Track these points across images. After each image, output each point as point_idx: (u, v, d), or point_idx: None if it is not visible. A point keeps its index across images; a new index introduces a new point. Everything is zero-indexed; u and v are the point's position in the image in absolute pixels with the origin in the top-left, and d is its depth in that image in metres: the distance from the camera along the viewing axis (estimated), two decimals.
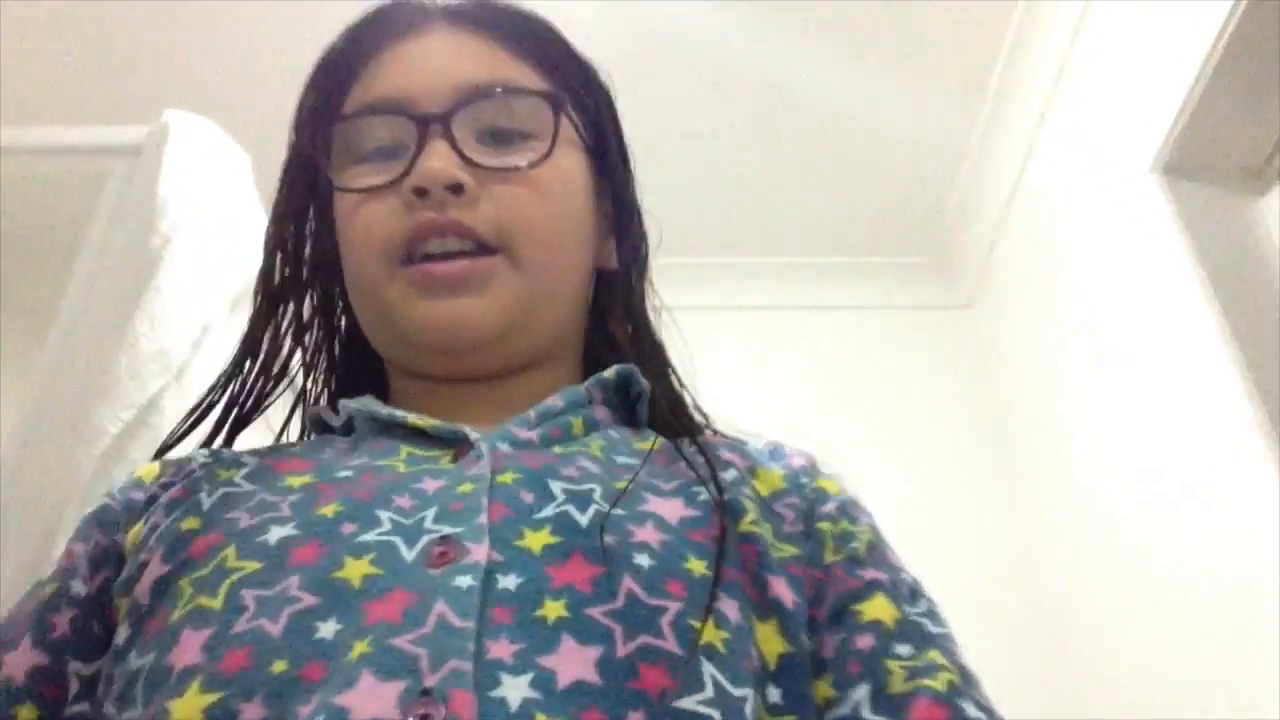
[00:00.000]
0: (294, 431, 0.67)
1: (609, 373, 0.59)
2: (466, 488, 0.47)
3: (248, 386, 0.63)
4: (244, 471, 0.52)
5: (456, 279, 0.53)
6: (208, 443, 0.61)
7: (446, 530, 0.43)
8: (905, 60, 2.04)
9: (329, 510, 0.46)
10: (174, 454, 0.58)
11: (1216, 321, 1.45)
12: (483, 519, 0.44)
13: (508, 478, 0.48)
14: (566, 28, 2.31)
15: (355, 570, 0.42)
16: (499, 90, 0.56)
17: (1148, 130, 1.60)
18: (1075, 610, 1.89)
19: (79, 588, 0.49)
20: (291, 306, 0.63)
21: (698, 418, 0.62)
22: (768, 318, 2.43)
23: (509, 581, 0.41)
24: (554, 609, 0.40)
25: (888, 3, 1.94)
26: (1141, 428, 1.66)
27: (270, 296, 0.63)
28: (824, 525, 0.52)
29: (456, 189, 0.53)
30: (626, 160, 0.65)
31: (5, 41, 1.98)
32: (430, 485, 0.48)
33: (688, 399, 0.63)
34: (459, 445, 0.52)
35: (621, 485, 0.48)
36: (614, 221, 0.64)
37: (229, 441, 0.61)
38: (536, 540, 0.44)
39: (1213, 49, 1.42)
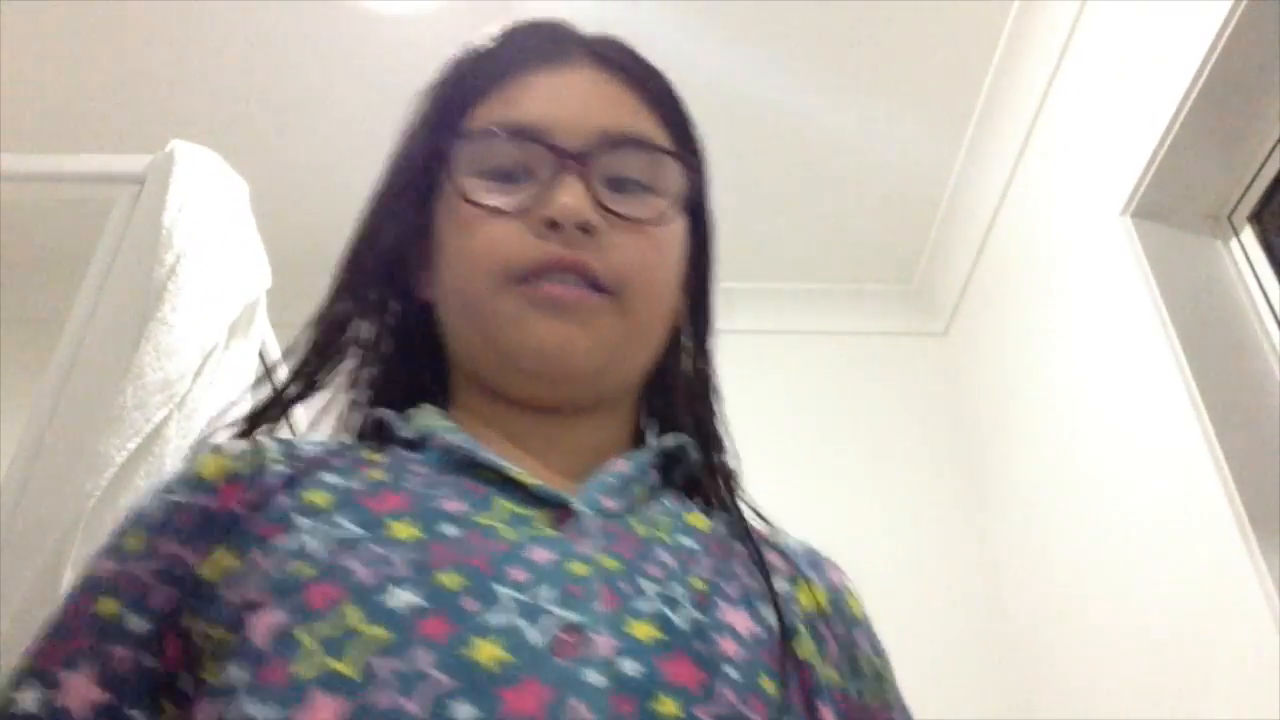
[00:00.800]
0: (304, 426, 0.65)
1: (670, 442, 0.60)
2: (579, 569, 0.47)
3: (310, 368, 0.61)
4: (331, 495, 0.50)
5: (573, 305, 0.54)
6: (255, 421, 0.59)
7: (571, 618, 0.44)
8: (888, 94, 2.09)
9: (449, 581, 0.45)
10: (232, 440, 0.56)
11: (1178, 358, 1.50)
12: (600, 606, 0.45)
13: (611, 563, 0.48)
14: None
15: (485, 653, 0.42)
16: (638, 143, 0.59)
17: (1119, 174, 1.66)
18: (1039, 632, 1.94)
19: (140, 622, 0.47)
20: (370, 296, 0.62)
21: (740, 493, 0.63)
22: (747, 342, 2.48)
23: (628, 669, 0.43)
24: (669, 706, 0.42)
25: (874, 39, 1.99)
26: (1104, 457, 1.71)
27: (353, 285, 0.63)
28: (864, 662, 0.56)
29: (587, 229, 0.54)
30: (714, 228, 0.67)
31: (10, 68, 1.98)
32: (540, 556, 0.48)
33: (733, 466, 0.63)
34: (556, 507, 0.51)
35: (699, 586, 0.50)
36: (693, 284, 0.65)
37: (278, 418, 0.60)
38: (644, 631, 0.45)
39: (1184, 99, 1.48)
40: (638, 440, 0.63)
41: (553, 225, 0.54)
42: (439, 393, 0.62)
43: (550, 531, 0.50)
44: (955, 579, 2.11)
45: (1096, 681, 1.71)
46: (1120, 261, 1.66)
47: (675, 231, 0.61)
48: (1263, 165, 1.52)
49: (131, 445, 0.94)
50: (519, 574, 0.46)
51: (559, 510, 0.51)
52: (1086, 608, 1.77)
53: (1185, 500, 1.48)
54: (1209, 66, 1.43)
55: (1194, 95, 1.47)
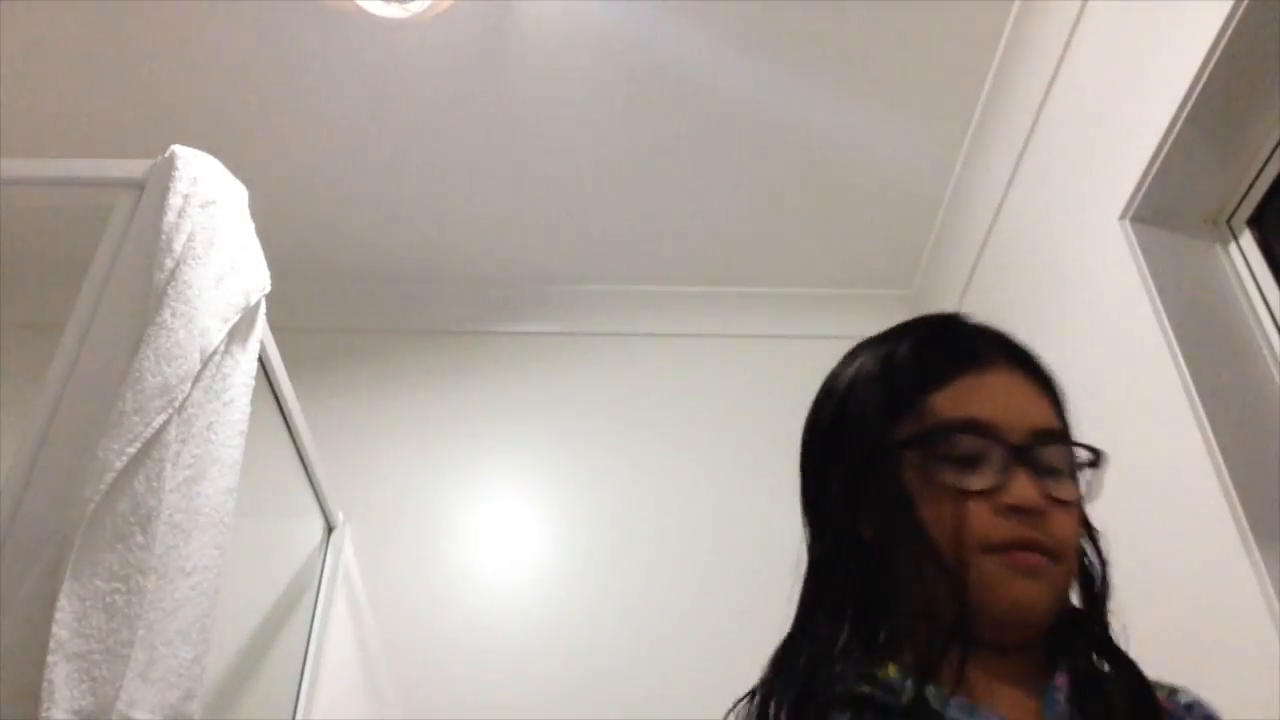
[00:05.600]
0: None
1: (1080, 661, 0.74)
2: None
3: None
4: None
5: (1040, 570, 0.69)
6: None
7: None
8: (888, 99, 2.09)
9: None
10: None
11: (1178, 362, 1.50)
12: None
13: None
14: (571, 69, 2.34)
15: None
16: (1061, 437, 0.74)
17: (1118, 178, 1.66)
18: None
19: None
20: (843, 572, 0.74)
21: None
22: (747, 346, 2.48)
23: None
24: None
25: (873, 44, 2.00)
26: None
27: (833, 567, 0.75)
28: None
29: (1040, 513, 0.69)
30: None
31: (11, 73, 1.99)
32: None
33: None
34: None
35: None
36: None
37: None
38: None
39: (1183, 102, 1.49)
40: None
41: (1014, 509, 0.69)
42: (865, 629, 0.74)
43: None
44: None
45: None
46: (1119, 265, 1.66)
47: (1080, 504, 0.75)
48: (1262, 169, 1.52)
49: (131, 450, 0.94)
50: None
51: None
52: None
53: (1184, 503, 1.48)
54: (1208, 70, 1.44)
55: (1193, 99, 1.47)
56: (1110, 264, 1.70)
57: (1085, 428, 1.92)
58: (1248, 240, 1.56)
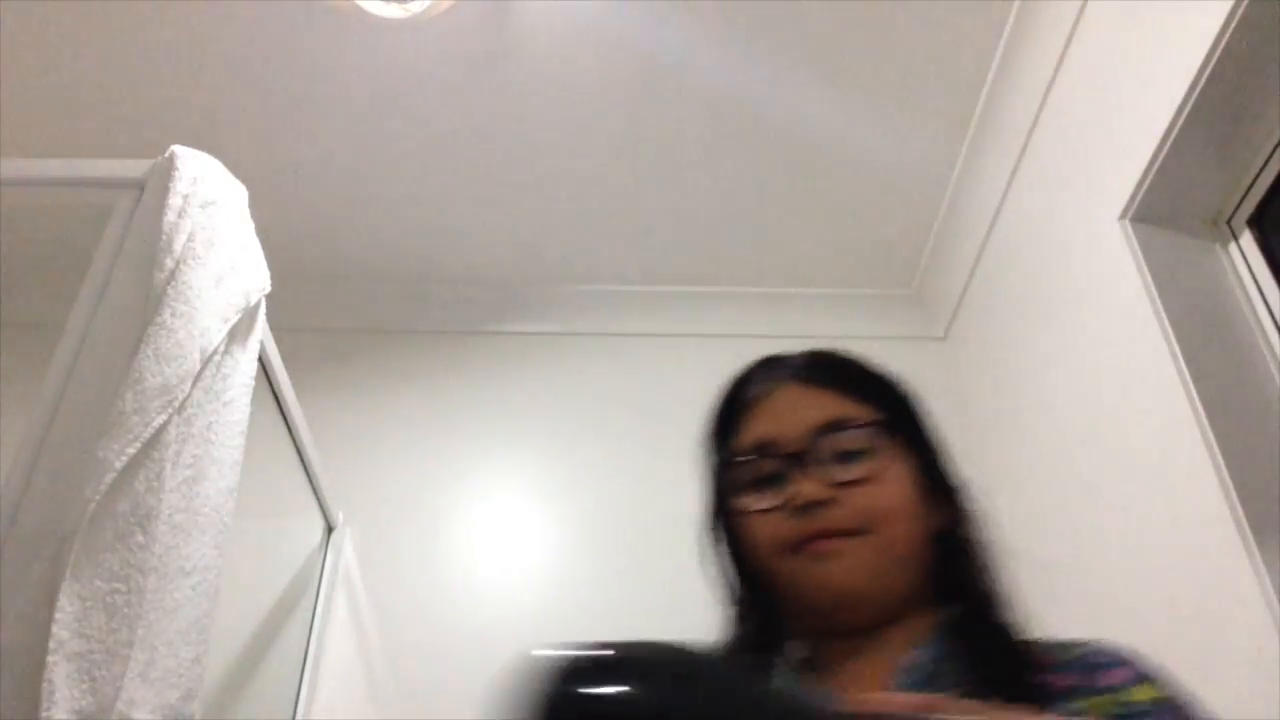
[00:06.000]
0: None
1: (943, 616, 0.75)
2: None
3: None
4: None
5: (838, 551, 0.73)
6: None
7: None
8: (888, 98, 2.09)
9: None
10: None
11: (1178, 362, 1.50)
12: None
13: None
14: (571, 69, 2.34)
15: None
16: (838, 425, 0.77)
17: (1118, 178, 1.66)
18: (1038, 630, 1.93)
19: None
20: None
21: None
22: (747, 346, 2.48)
23: None
24: None
25: (873, 44, 2.00)
26: (1104, 461, 1.71)
27: (732, 578, 0.81)
28: None
29: (823, 503, 0.73)
30: (938, 445, 0.84)
31: (10, 73, 1.99)
32: None
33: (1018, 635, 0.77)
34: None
35: None
36: (935, 493, 0.81)
37: None
38: None
39: (1183, 102, 1.49)
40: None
41: (801, 508, 0.74)
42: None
43: None
44: None
45: None
46: (1119, 266, 1.66)
47: (894, 469, 0.77)
48: (1262, 169, 1.52)
49: (131, 450, 0.94)
50: None
51: None
52: (1086, 611, 1.76)
53: (1185, 503, 1.48)
54: (1208, 69, 1.44)
55: (1193, 98, 1.47)
56: (1110, 264, 1.70)
57: (1086, 427, 1.93)
58: (1248, 240, 1.56)
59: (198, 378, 1.08)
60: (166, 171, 1.17)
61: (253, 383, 1.24)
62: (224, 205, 1.24)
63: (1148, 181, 1.59)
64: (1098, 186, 1.74)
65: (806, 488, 0.74)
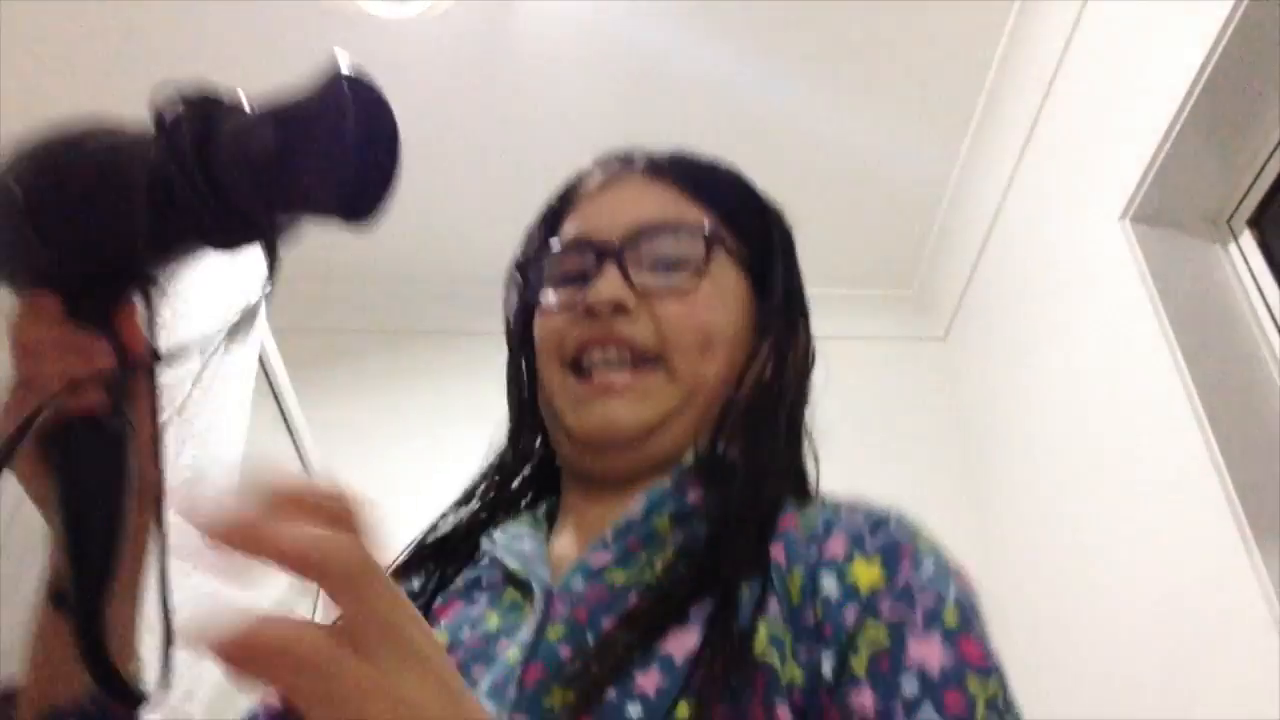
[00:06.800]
0: None
1: (688, 456, 0.62)
2: (513, 655, 0.52)
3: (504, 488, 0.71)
4: None
5: (622, 389, 0.62)
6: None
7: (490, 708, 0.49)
8: (888, 99, 2.09)
9: None
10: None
11: (1178, 362, 1.50)
12: (512, 690, 0.50)
13: (555, 632, 0.52)
14: (570, 69, 2.34)
15: None
16: (665, 227, 0.66)
17: (1118, 179, 1.66)
18: (1039, 637, 1.93)
19: None
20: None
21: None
22: None
23: None
24: None
25: (873, 44, 2.00)
26: (1104, 461, 1.71)
27: (519, 402, 0.72)
28: (861, 638, 0.52)
29: (620, 308, 0.62)
30: (792, 287, 0.72)
31: (10, 73, 1.99)
32: (503, 648, 0.54)
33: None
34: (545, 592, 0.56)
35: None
36: (767, 331, 0.68)
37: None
38: (561, 698, 0.48)
39: (1183, 102, 1.49)
40: None
41: (591, 311, 0.63)
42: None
43: (529, 614, 0.55)
44: None
45: (1096, 683, 1.71)
46: (1119, 266, 1.66)
47: (720, 289, 0.66)
48: (1262, 169, 1.52)
49: None
50: (479, 671, 0.52)
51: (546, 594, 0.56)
52: (1086, 612, 1.76)
53: (1185, 503, 1.48)
54: (1208, 70, 1.44)
55: (1193, 99, 1.47)
56: (1110, 264, 1.70)
57: (1085, 427, 1.93)
58: (1248, 240, 1.56)
59: (198, 378, 1.08)
60: None
61: (253, 382, 1.24)
62: None
63: (1148, 182, 1.59)
64: (1098, 187, 1.74)
65: (604, 287, 0.63)
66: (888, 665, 0.48)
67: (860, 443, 2.32)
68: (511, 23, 1.96)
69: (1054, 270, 1.93)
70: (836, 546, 0.55)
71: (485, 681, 0.51)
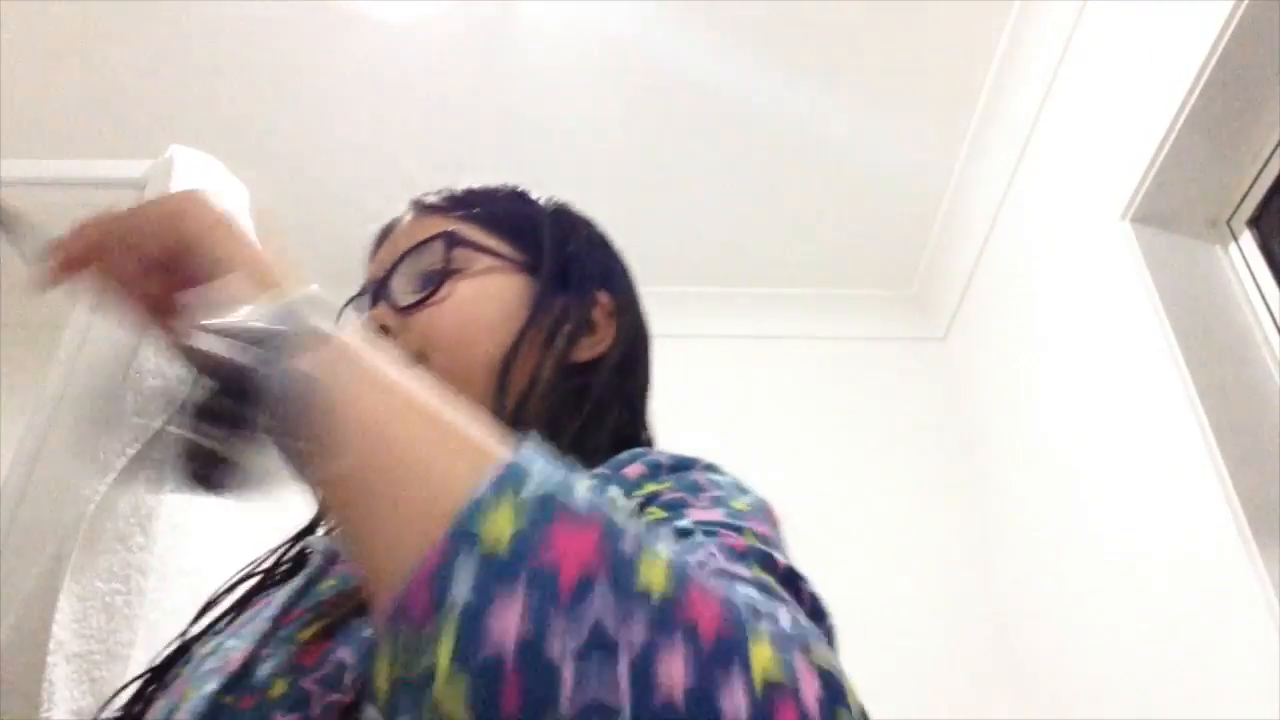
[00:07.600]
0: None
1: None
2: (278, 599, 0.59)
3: None
4: None
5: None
6: None
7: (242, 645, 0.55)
8: (888, 99, 2.09)
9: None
10: None
11: (1178, 363, 1.50)
12: (263, 625, 0.56)
13: (325, 586, 0.58)
14: (570, 70, 2.32)
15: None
16: (409, 250, 0.72)
17: (1118, 179, 1.66)
18: (1038, 637, 1.94)
19: None
20: None
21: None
22: (746, 347, 2.48)
23: (263, 670, 0.51)
24: (280, 686, 0.50)
25: (872, 44, 2.00)
26: (1104, 462, 1.71)
27: None
28: None
29: (384, 331, 0.69)
30: (563, 272, 0.75)
31: (11, 73, 1.99)
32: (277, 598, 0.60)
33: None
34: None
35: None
36: (548, 319, 0.72)
37: None
38: (313, 632, 0.53)
39: (1183, 103, 1.49)
40: None
41: None
42: None
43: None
44: (953, 583, 2.11)
45: (1096, 684, 1.71)
46: (1119, 266, 1.66)
47: (482, 286, 0.71)
48: (1262, 170, 1.52)
49: (131, 450, 0.94)
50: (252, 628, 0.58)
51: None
52: (1086, 612, 1.76)
53: (1185, 504, 1.48)
54: (1208, 70, 1.44)
55: (1193, 99, 1.47)
56: (1110, 264, 1.70)
57: (1086, 428, 1.93)
58: (1248, 241, 1.56)
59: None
60: (166, 171, 1.17)
61: None
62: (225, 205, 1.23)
63: (1148, 182, 1.59)
64: (1098, 187, 1.74)
65: (369, 317, 0.70)
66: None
67: (860, 443, 2.32)
68: (511, 22, 1.97)
69: (1054, 270, 1.93)
70: (633, 471, 0.57)
71: (247, 627, 0.57)
